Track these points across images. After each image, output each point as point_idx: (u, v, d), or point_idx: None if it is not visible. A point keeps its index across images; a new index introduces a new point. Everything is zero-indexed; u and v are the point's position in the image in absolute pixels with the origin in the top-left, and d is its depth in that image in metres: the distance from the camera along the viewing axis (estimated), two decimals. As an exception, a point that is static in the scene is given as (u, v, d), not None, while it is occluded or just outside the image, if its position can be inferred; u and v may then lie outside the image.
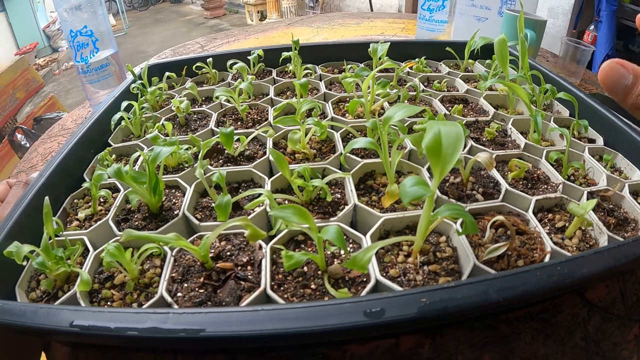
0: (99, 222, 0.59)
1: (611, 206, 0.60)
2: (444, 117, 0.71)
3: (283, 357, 0.45)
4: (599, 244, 0.55)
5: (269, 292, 0.45)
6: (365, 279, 0.47)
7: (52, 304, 0.49)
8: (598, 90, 1.16)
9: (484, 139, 0.74)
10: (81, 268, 0.52)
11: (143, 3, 8.63)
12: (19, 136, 1.87)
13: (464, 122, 0.74)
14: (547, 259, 0.50)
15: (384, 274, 0.47)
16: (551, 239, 0.53)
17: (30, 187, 0.62)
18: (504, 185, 0.60)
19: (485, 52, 1.00)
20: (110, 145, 0.78)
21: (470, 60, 1.02)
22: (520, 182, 0.64)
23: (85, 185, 0.65)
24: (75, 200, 0.67)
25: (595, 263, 0.43)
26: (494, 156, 0.66)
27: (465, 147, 0.70)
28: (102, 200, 0.66)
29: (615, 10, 2.36)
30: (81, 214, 0.63)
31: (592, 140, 0.76)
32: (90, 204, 0.65)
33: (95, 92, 1.16)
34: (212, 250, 0.53)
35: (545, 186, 0.63)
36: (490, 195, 0.60)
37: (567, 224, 0.57)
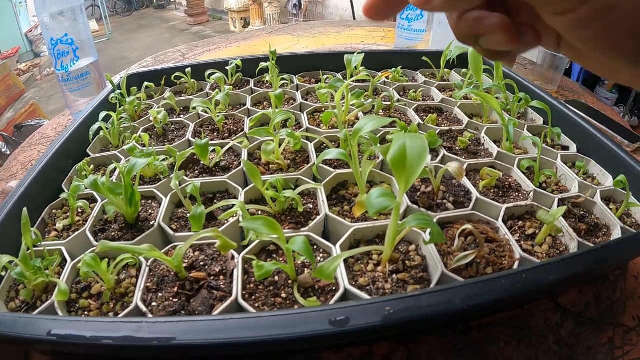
0: (76, 233, 0.59)
1: (582, 212, 0.62)
2: (416, 127, 0.72)
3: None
4: (569, 250, 0.56)
5: (241, 301, 0.46)
6: (334, 288, 0.48)
7: (31, 313, 0.49)
8: (575, 97, 1.19)
9: (457, 148, 0.75)
10: (59, 278, 0.53)
11: (126, 9, 8.55)
12: None
13: (437, 132, 0.75)
14: (515, 266, 0.51)
15: (353, 283, 0.48)
16: (521, 246, 0.54)
17: (9, 197, 0.62)
18: (475, 194, 0.62)
19: (462, 61, 1.02)
20: (89, 156, 0.79)
21: (446, 70, 1.04)
22: (492, 191, 0.65)
23: (63, 195, 0.66)
24: (54, 211, 0.67)
25: (562, 269, 0.44)
26: (465, 165, 0.68)
27: (437, 156, 0.71)
28: (80, 210, 0.66)
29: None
30: (59, 225, 0.64)
31: (565, 148, 0.78)
32: (68, 214, 0.65)
33: (75, 101, 1.15)
34: (186, 261, 0.53)
35: (517, 194, 0.65)
36: (461, 204, 0.61)
37: (537, 231, 0.58)
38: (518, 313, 0.53)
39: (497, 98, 0.79)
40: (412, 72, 1.08)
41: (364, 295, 0.45)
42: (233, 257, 0.52)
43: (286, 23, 5.15)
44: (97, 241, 0.58)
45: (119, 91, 0.93)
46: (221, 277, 0.51)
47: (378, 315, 0.37)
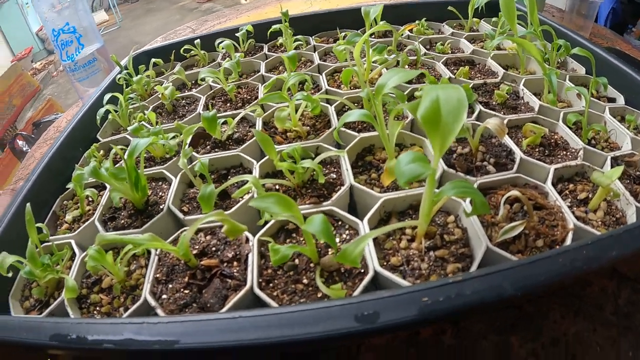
0: (85, 224, 0.56)
1: (637, 173, 0.53)
2: (448, 81, 0.64)
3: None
4: (626, 217, 0.48)
5: (256, 290, 0.41)
6: (362, 270, 0.42)
7: (44, 311, 0.48)
8: (609, 45, 1.07)
9: (494, 103, 0.67)
10: (69, 273, 0.50)
11: (134, -6, 8.43)
12: (19, 143, 1.82)
13: (470, 86, 0.67)
14: (569, 237, 0.44)
15: (385, 263, 0.42)
16: (573, 213, 0.47)
17: (16, 193, 0.61)
18: (518, 154, 0.54)
19: (491, 9, 0.91)
20: (99, 141, 0.76)
21: (475, 19, 0.95)
22: (537, 149, 0.57)
23: (70, 185, 0.63)
24: (65, 202, 0.65)
25: (626, 243, 0.37)
26: (505, 121, 0.60)
27: (473, 112, 0.63)
28: (90, 199, 0.63)
29: (621, -39, 2.20)
30: (69, 216, 0.61)
31: (611, 100, 0.69)
32: (79, 204, 0.62)
33: (85, 91, 1.13)
34: (197, 247, 0.48)
35: (565, 152, 0.57)
36: (504, 166, 0.54)
37: (590, 195, 0.50)
38: (574, 282, 0.46)
39: (534, 46, 0.70)
40: (438, 24, 0.98)
41: (396, 278, 0.39)
42: (247, 240, 0.47)
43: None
44: (106, 231, 0.55)
45: (126, 71, 0.89)
46: (235, 263, 0.45)
47: (413, 307, 0.31)
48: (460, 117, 0.34)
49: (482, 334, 0.41)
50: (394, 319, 0.30)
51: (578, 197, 0.50)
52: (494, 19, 0.93)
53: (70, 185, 0.63)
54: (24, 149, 1.80)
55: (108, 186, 0.61)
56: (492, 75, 0.76)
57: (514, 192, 0.45)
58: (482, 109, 0.64)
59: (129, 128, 0.68)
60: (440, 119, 0.34)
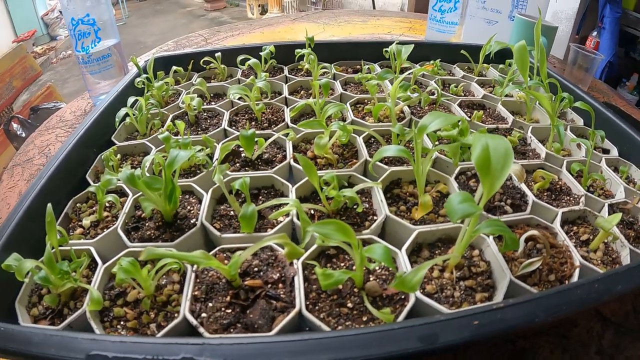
0: (106, 231, 0.54)
1: (630, 219, 0.60)
2: (467, 124, 0.69)
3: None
4: (620, 257, 0.54)
5: (305, 313, 0.43)
6: (403, 297, 0.45)
7: (57, 322, 0.46)
8: (605, 99, 1.15)
9: (506, 148, 0.72)
10: (87, 282, 0.48)
11: (143, -7, 8.37)
12: (14, 126, 1.78)
13: (485, 130, 0.73)
14: (576, 273, 0.49)
15: (421, 291, 0.46)
16: (577, 252, 0.52)
17: (29, 189, 0.57)
18: (531, 197, 0.59)
19: (498, 56, 0.98)
20: (113, 144, 0.73)
21: (484, 65, 1.01)
22: (545, 193, 0.63)
23: (90, 188, 0.60)
24: (78, 205, 0.61)
25: (630, 279, 0.42)
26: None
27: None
28: (107, 205, 0.61)
29: (619, 17, 2.32)
30: (86, 221, 0.58)
31: (606, 151, 0.76)
32: (94, 208, 0.60)
33: (96, 83, 1.11)
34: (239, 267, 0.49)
35: (568, 197, 0.63)
36: (518, 207, 0.59)
37: (590, 237, 0.56)
38: (563, 322, 0.52)
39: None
40: (449, 65, 1.04)
41: (436, 305, 0.43)
42: (292, 263, 0.49)
43: (304, 11, 5.04)
44: (130, 240, 0.53)
45: (145, 75, 0.89)
46: (280, 285, 0.47)
47: (466, 329, 0.35)
48: (507, 165, 0.38)
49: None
50: (451, 340, 0.34)
51: (581, 239, 0.56)
52: (501, 66, 1.00)
53: (90, 188, 0.60)
54: (18, 132, 1.76)
55: (130, 194, 0.61)
56: (503, 120, 0.82)
57: (534, 232, 0.50)
58: (497, 153, 0.69)
59: (159, 136, 0.67)
60: (490, 166, 0.38)
